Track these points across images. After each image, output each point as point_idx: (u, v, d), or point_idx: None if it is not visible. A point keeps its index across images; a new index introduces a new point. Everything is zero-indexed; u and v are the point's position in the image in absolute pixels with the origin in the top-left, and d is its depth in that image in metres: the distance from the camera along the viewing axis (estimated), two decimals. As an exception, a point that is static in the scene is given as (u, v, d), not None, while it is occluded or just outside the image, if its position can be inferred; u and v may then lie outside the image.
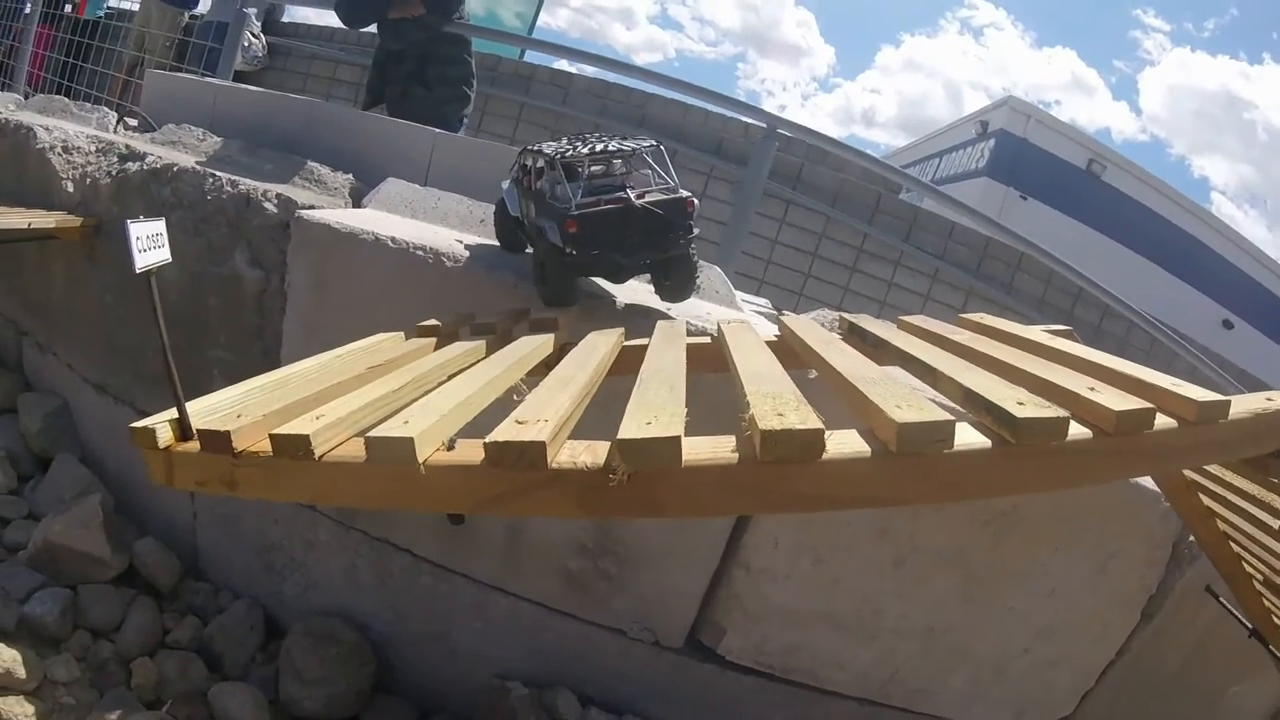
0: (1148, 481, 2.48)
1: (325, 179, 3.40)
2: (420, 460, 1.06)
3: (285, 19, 8.11)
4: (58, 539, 3.05)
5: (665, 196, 2.30)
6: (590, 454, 1.07)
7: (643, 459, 1.02)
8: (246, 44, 6.96)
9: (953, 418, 1.05)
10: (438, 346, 1.91)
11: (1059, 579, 2.68)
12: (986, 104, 17.92)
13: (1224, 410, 1.24)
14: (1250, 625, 2.48)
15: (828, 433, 1.03)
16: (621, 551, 2.70)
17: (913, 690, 2.89)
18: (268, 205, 2.91)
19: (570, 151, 2.34)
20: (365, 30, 5.91)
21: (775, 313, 3.20)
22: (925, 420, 1.02)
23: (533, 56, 7.67)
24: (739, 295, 3.22)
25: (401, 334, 2.02)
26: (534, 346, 1.75)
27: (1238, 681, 3.10)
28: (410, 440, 1.05)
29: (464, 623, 2.95)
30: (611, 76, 6.97)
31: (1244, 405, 1.29)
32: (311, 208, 2.87)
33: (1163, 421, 1.20)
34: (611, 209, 2.23)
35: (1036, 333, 1.85)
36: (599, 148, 2.36)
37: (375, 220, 2.84)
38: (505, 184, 2.72)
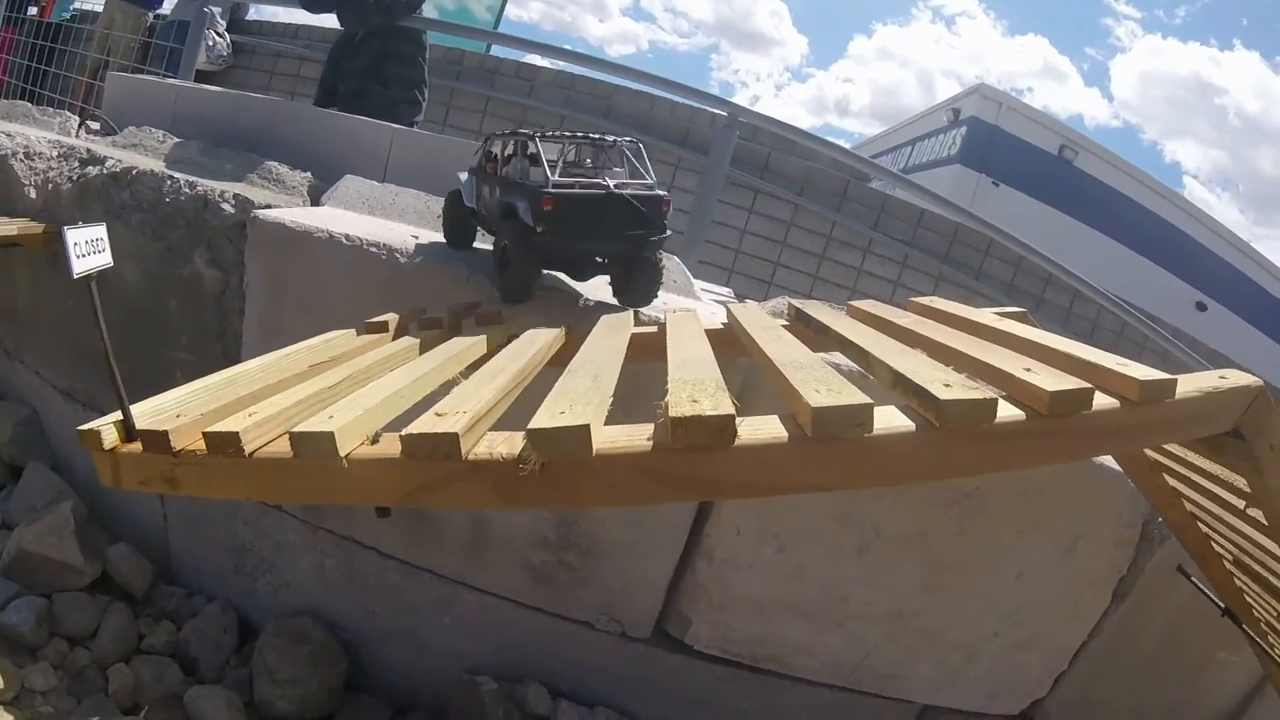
0: (1114, 461, 2.47)
1: (284, 178, 3.38)
2: (343, 454, 1.07)
3: (250, 17, 8.05)
4: (31, 547, 3.05)
5: (644, 192, 2.24)
6: (507, 445, 1.07)
7: (554, 448, 1.02)
8: (211, 43, 6.88)
9: (870, 401, 1.05)
10: (388, 342, 1.91)
11: (1026, 561, 2.70)
12: (958, 92, 17.97)
13: (1170, 389, 1.23)
14: (1223, 605, 2.49)
15: (742, 419, 1.03)
16: (584, 544, 2.71)
17: (882, 675, 2.91)
18: (225, 206, 2.90)
19: (551, 132, 2.29)
20: (330, 26, 5.88)
21: (737, 301, 3.21)
22: (842, 404, 1.02)
23: (498, 50, 7.66)
24: (700, 284, 3.23)
25: (353, 331, 2.02)
26: (476, 340, 1.75)
27: (1213, 660, 3.12)
28: (331, 435, 1.06)
29: (432, 618, 2.96)
30: (578, 69, 6.96)
31: (1193, 384, 1.28)
32: (268, 207, 2.86)
33: (1104, 402, 1.20)
34: (591, 193, 2.17)
35: (986, 315, 1.85)
36: (579, 132, 2.34)
37: (330, 218, 2.84)
38: (463, 175, 2.68)
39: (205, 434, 1.14)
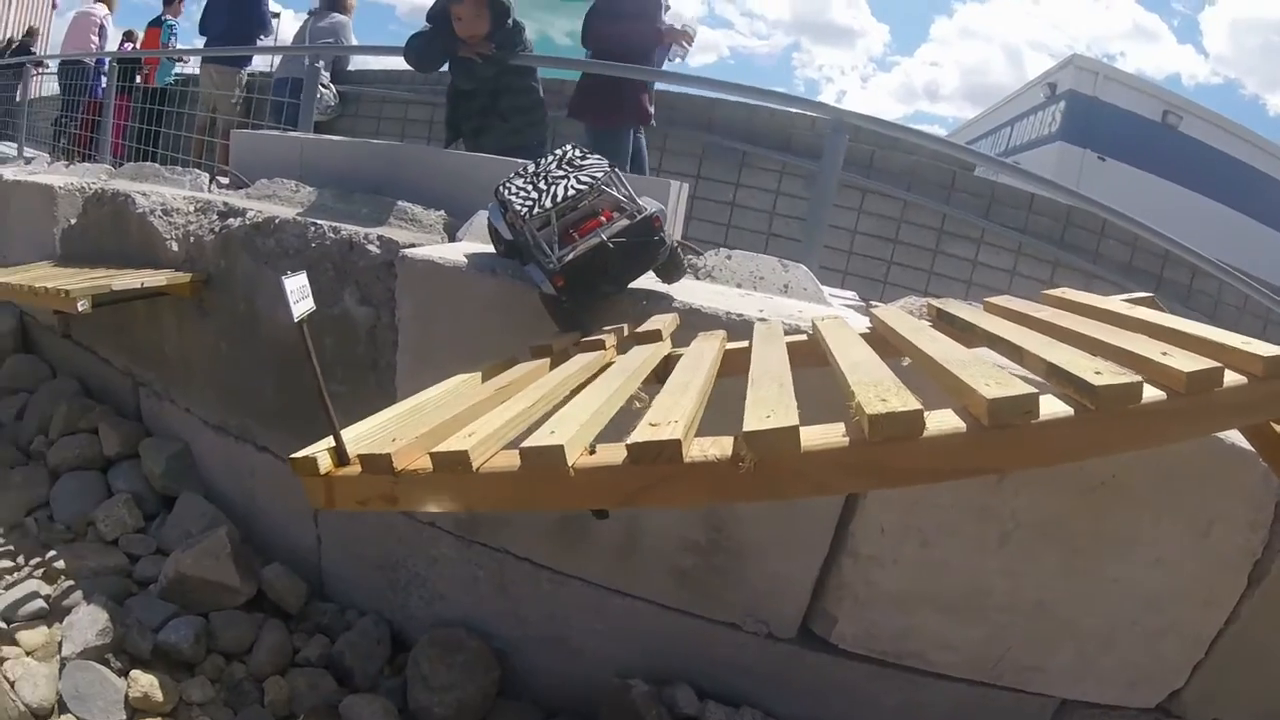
0: (1245, 442, 2.45)
1: (419, 217, 3.57)
2: (570, 463, 1.21)
3: (351, 67, 8.38)
4: (189, 570, 3.28)
5: (631, 221, 2.47)
6: (718, 447, 1.21)
7: (767, 448, 1.15)
8: (319, 95, 7.23)
9: (1037, 391, 1.16)
10: (552, 365, 2.06)
11: (1162, 547, 2.64)
12: (1051, 64, 17.44)
13: (1292, 362, 1.30)
14: (1356, 585, 2.44)
15: (927, 413, 1.15)
16: (732, 546, 2.78)
17: (1023, 668, 2.89)
18: (371, 247, 3.10)
19: (536, 209, 2.53)
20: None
21: (863, 305, 3.26)
22: (1013, 394, 1.14)
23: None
24: (826, 290, 3.28)
25: (513, 356, 2.18)
26: (644, 358, 1.90)
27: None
28: (560, 447, 1.21)
29: (583, 624, 3.07)
30: (674, 87, 7.01)
31: (1313, 356, 1.35)
32: (412, 246, 3.06)
33: (1233, 379, 1.28)
34: (587, 252, 2.40)
35: (1116, 303, 1.91)
36: (559, 194, 2.54)
37: (473, 253, 3.01)
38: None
39: (432, 454, 1.29)
